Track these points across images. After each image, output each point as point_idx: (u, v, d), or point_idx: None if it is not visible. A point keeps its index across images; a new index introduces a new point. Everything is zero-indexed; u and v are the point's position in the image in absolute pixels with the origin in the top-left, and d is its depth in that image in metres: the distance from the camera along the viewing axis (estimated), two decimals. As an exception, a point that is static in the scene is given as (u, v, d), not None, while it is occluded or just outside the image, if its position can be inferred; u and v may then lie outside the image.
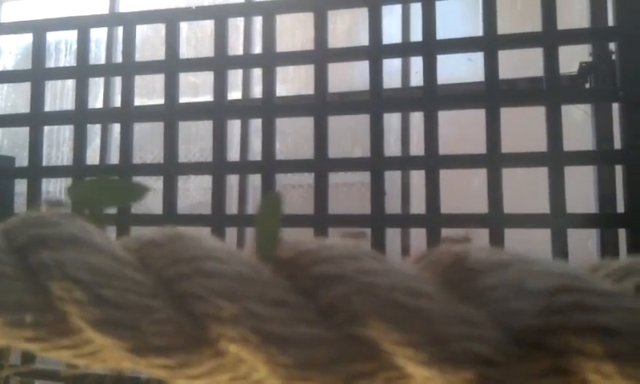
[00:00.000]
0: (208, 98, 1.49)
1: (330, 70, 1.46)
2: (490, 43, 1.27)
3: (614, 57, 1.30)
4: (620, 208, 1.25)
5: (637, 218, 1.16)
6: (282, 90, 1.95)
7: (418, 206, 1.43)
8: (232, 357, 0.17)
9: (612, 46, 1.33)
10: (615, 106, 1.26)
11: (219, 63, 1.48)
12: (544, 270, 0.16)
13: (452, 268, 0.17)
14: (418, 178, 1.45)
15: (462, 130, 1.58)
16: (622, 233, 1.23)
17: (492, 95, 1.25)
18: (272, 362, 0.17)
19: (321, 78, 1.42)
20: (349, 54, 1.44)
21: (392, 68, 1.70)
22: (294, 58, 1.51)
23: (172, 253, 0.20)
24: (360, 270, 0.17)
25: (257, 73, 1.67)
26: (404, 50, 1.44)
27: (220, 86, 1.46)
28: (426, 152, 1.31)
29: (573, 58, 1.51)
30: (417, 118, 1.47)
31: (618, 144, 1.27)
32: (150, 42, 2.08)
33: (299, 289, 0.18)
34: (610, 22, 1.29)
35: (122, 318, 0.20)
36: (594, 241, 1.35)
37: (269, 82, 1.45)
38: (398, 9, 1.64)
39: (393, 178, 1.69)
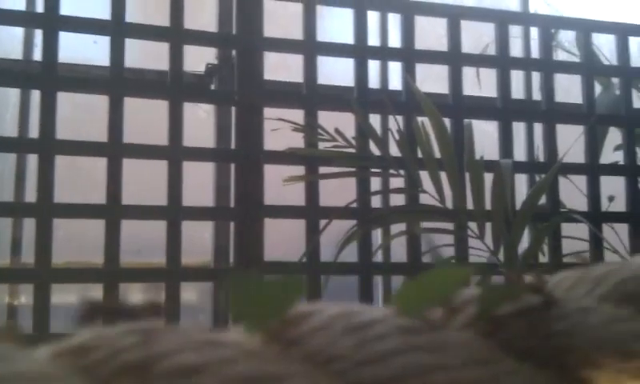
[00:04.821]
0: None
1: None
2: (117, 29, 1.23)
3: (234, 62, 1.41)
4: (232, 202, 1.37)
5: (243, 212, 1.28)
6: None
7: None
8: None
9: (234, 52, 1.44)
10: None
11: None
12: None
13: None
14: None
15: (92, 114, 1.51)
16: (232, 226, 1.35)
17: (116, 83, 1.23)
18: None
19: None
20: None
21: (13, 36, 1.51)
22: None
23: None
24: None
25: None
26: (20, 19, 1.29)
27: None
28: (40, 135, 1.20)
29: (203, 59, 1.60)
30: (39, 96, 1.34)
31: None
32: None
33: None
34: (234, 30, 1.40)
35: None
36: (210, 232, 1.45)
37: None
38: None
39: (8, 161, 1.50)
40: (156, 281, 1.17)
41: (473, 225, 1.23)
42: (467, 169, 1.25)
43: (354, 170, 1.30)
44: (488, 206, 1.22)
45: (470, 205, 1.23)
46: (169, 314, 1.16)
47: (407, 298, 0.22)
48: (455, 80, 1.44)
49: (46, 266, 1.14)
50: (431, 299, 0.23)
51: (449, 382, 0.19)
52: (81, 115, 1.47)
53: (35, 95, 1.39)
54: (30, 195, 1.35)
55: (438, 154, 1.24)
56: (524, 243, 1.29)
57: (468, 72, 1.50)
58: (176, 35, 1.27)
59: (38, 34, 1.44)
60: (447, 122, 1.33)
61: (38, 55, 1.49)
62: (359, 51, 1.38)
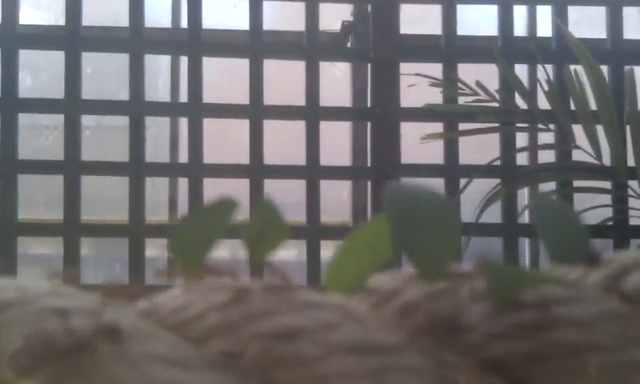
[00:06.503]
0: None
1: (88, 1, 1.32)
2: (255, -8, 1.25)
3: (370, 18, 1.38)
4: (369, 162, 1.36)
5: (380, 171, 1.27)
6: (34, 17, 1.73)
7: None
8: None
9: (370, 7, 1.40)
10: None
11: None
12: None
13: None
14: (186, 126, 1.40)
15: (231, 78, 1.56)
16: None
17: (255, 46, 1.25)
18: None
19: (73, 8, 1.27)
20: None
21: (162, 6, 1.60)
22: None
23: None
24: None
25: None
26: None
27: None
28: (189, 99, 1.27)
29: (339, 16, 1.58)
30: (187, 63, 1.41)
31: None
32: None
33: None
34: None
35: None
36: (348, 191, 1.46)
37: (10, 7, 1.26)
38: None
39: (162, 125, 1.61)
40: (297, 238, 1.20)
41: (634, 183, 1.11)
42: (628, 121, 1.13)
43: (497, 125, 1.22)
44: (653, 162, 1.09)
45: (630, 161, 1.11)
46: (309, 271, 1.19)
47: (339, 271, 0.17)
48: (614, 22, 1.29)
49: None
50: (366, 265, 0.17)
51: (606, 365, 0.15)
52: (224, 79, 1.54)
53: (184, 61, 1.47)
54: (183, 156, 1.44)
55: (593, 106, 1.13)
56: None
57: (630, 13, 1.34)
58: (312, -7, 1.26)
59: (184, 2, 1.51)
60: (605, 69, 1.20)
61: (184, 23, 1.56)
62: (503, -3, 1.29)
